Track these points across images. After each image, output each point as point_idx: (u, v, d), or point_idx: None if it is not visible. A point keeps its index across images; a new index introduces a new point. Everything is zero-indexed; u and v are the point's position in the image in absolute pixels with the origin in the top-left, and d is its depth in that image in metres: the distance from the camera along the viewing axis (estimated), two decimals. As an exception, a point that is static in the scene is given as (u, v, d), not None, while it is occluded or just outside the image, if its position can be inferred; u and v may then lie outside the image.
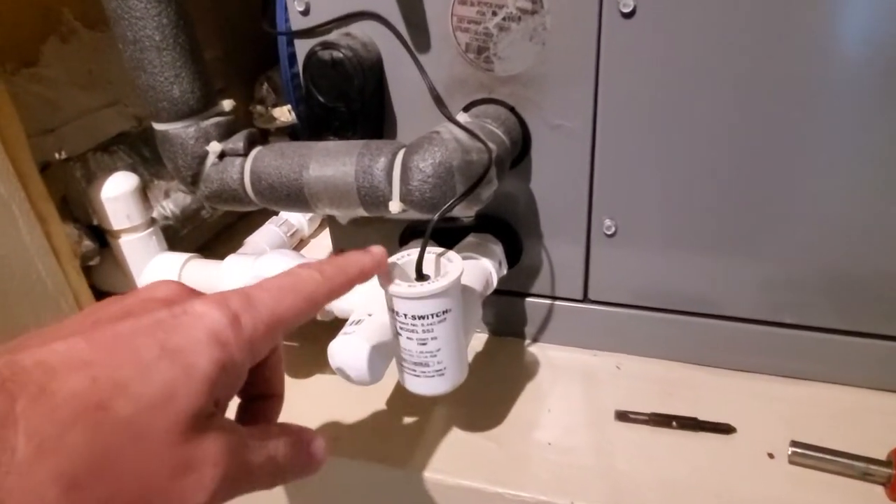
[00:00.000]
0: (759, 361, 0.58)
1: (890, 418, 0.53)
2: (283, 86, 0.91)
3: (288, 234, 0.82)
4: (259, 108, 0.86)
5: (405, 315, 0.43)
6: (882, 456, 0.49)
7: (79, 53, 0.67)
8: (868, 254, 0.51)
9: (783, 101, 0.48)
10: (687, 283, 0.58)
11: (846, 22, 0.44)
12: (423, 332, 0.44)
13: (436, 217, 0.45)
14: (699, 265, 0.56)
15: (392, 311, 0.44)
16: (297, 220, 0.85)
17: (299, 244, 0.87)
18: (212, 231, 0.88)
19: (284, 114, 0.85)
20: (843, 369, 0.56)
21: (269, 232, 0.81)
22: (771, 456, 0.51)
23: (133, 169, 0.75)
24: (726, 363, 0.60)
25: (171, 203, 0.81)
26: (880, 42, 0.44)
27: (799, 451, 0.50)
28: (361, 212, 0.50)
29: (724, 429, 0.53)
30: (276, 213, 0.86)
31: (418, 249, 0.45)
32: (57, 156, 0.65)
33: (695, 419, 0.54)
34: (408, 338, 0.44)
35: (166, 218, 0.80)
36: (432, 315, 0.43)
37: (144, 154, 0.76)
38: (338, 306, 0.57)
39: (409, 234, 0.63)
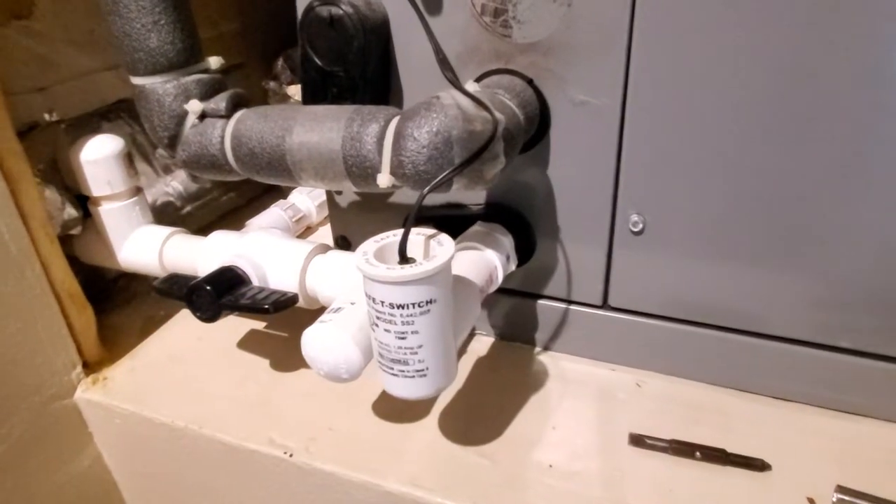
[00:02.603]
0: (804, 389, 0.50)
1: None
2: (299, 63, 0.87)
3: (293, 220, 0.77)
4: (272, 84, 0.81)
5: (382, 302, 0.37)
6: (950, 513, 0.40)
7: (80, 10, 0.63)
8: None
9: (846, 93, 0.40)
10: (723, 294, 0.50)
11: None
12: (403, 323, 0.38)
13: (426, 191, 0.38)
14: (738, 274, 0.49)
15: (368, 297, 0.38)
16: (306, 205, 0.80)
17: (306, 231, 0.81)
18: (216, 213, 0.84)
19: (299, 92, 0.80)
20: (904, 405, 0.48)
21: (272, 215, 0.76)
22: (812, 501, 0.43)
23: (133, 139, 0.71)
24: (764, 389, 0.52)
25: (175, 180, 0.77)
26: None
27: (846, 498, 0.42)
28: (349, 185, 0.44)
29: (758, 465, 0.46)
30: (284, 197, 0.81)
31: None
32: (47, 116, 0.61)
33: (723, 451, 0.46)
34: (385, 330, 0.38)
35: (167, 195, 0.76)
36: (413, 304, 0.37)
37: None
38: (322, 294, 0.51)
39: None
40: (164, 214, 0.75)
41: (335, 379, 0.43)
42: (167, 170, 0.75)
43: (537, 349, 0.59)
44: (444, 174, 0.39)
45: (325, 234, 0.82)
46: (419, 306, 0.37)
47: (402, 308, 0.37)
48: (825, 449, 0.47)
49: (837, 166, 0.43)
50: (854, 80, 0.40)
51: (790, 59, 0.41)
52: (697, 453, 0.47)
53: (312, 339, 0.43)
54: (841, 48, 0.39)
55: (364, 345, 0.42)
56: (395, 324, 0.38)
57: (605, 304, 0.55)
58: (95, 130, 0.67)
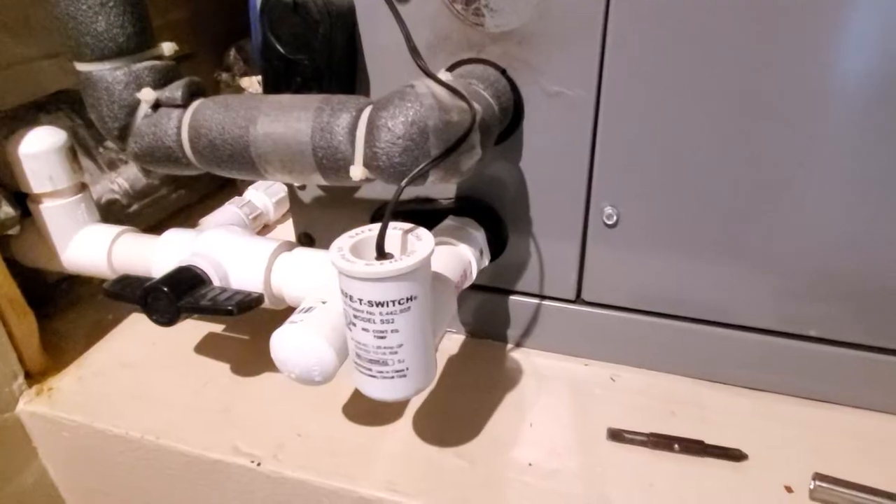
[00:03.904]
0: (777, 379, 0.51)
1: (930, 452, 0.46)
2: (252, 54, 0.83)
3: (250, 217, 0.74)
4: (225, 76, 0.77)
5: (360, 300, 0.35)
6: (922, 496, 0.41)
7: (14, -6, 0.59)
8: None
9: (813, 86, 0.40)
10: (697, 286, 0.50)
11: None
12: (382, 322, 0.36)
13: (403, 183, 0.37)
14: (711, 265, 0.49)
15: (345, 295, 0.36)
16: (262, 202, 0.77)
17: (263, 229, 0.78)
18: (166, 211, 0.80)
19: (253, 84, 0.77)
20: (875, 393, 0.49)
21: (227, 213, 0.72)
22: (789, 489, 0.44)
23: (74, 132, 0.66)
24: (738, 379, 0.52)
25: (119, 176, 0.72)
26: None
27: (823, 485, 0.43)
28: (318, 178, 0.42)
29: (735, 455, 0.46)
30: (240, 193, 0.78)
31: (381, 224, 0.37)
32: (-22, 108, 0.56)
33: (700, 442, 0.46)
34: (363, 329, 0.36)
35: (112, 192, 0.71)
36: (393, 302, 0.35)
37: (89, 117, 0.67)
38: (290, 293, 0.49)
39: (380, 215, 0.55)
40: (110, 213, 0.70)
41: (307, 382, 0.41)
42: (112, 165, 0.71)
43: (509, 346, 0.58)
44: (422, 166, 0.37)
45: (284, 232, 0.79)
46: (399, 304, 0.35)
47: (382, 306, 0.35)
48: (800, 437, 0.47)
49: (797, 163, 0.43)
50: (806, 77, 0.40)
51: (757, 56, 0.41)
52: (676, 446, 0.46)
53: (283, 341, 0.40)
54: (796, 52, 0.40)
55: (338, 345, 0.40)
56: (374, 322, 0.36)
57: (578, 299, 0.54)
58: (32, 123, 0.62)
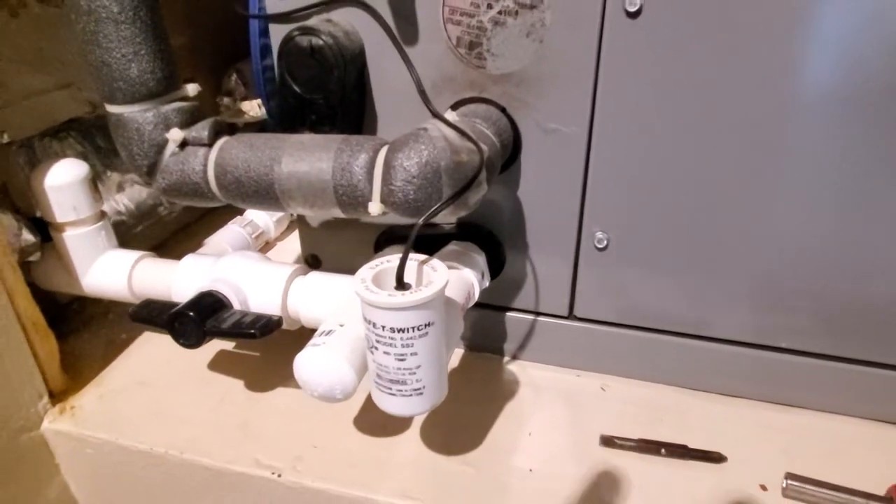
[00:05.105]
0: (753, 387, 0.56)
1: (889, 452, 0.51)
2: (253, 78, 0.86)
3: (252, 236, 0.77)
4: (226, 100, 0.80)
5: (383, 327, 0.39)
6: (881, 491, 0.46)
7: (28, 29, 0.61)
8: (864, 280, 0.49)
9: (786, 116, 0.45)
10: (679, 303, 0.55)
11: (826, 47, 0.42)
12: (403, 346, 0.40)
13: (420, 221, 0.40)
14: (692, 284, 0.53)
15: (368, 322, 0.40)
16: (263, 221, 0.80)
17: (264, 247, 0.81)
18: (168, 230, 0.82)
19: (254, 108, 0.80)
20: (841, 398, 0.54)
21: (231, 232, 0.75)
22: (764, 488, 0.48)
23: (84, 158, 0.69)
24: (718, 388, 0.57)
25: (125, 197, 0.75)
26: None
27: (794, 483, 0.47)
28: (337, 212, 0.46)
29: (715, 457, 0.50)
30: (241, 213, 0.81)
31: (398, 255, 0.41)
32: (-2, 139, 0.58)
33: (684, 447, 0.51)
34: (385, 352, 0.40)
35: (119, 213, 0.74)
36: (413, 328, 0.39)
37: (98, 142, 0.70)
38: (306, 315, 0.52)
39: (384, 239, 0.59)
40: (116, 234, 0.73)
41: (329, 400, 0.45)
42: (120, 188, 0.74)
43: (506, 358, 0.62)
44: (437, 206, 0.41)
45: (284, 249, 0.82)
46: (418, 329, 0.39)
47: (403, 332, 0.39)
48: (774, 440, 0.52)
49: (773, 192, 0.48)
50: (778, 112, 0.45)
51: (741, 93, 0.45)
52: (662, 450, 0.51)
53: (306, 363, 0.44)
54: (766, 89, 0.45)
55: (357, 365, 0.44)
56: (395, 346, 0.40)
57: (570, 315, 0.59)
58: (46, 151, 0.65)
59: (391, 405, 0.43)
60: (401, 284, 0.40)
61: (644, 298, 0.55)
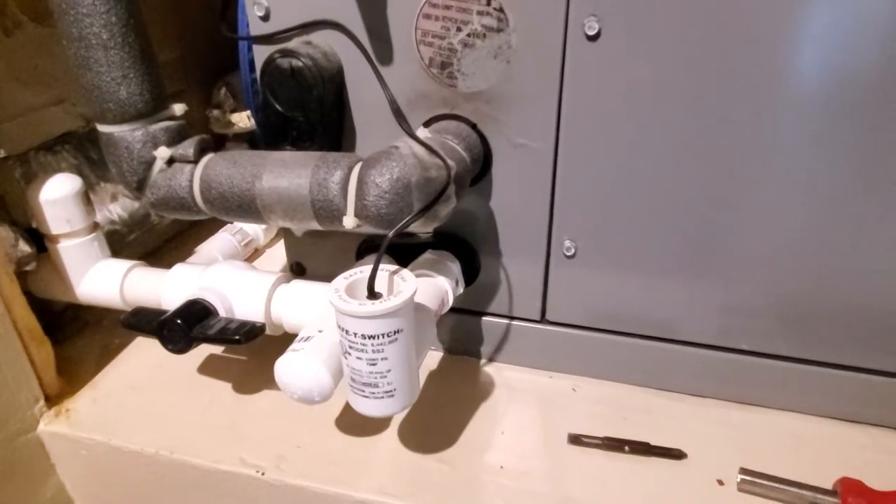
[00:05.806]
0: (714, 387, 0.59)
1: (838, 447, 0.54)
2: (242, 91, 0.89)
3: (242, 244, 0.80)
4: (216, 112, 0.83)
5: (355, 334, 0.42)
6: (828, 485, 0.49)
7: (23, 47, 0.64)
8: (821, 284, 0.52)
9: (740, 127, 0.48)
10: (645, 307, 0.57)
11: (799, 53, 0.45)
12: (373, 352, 0.42)
13: (391, 234, 0.43)
14: (657, 289, 0.56)
15: (341, 329, 0.43)
16: (253, 229, 0.83)
17: (253, 254, 0.84)
18: (161, 238, 0.85)
19: (243, 119, 0.83)
20: (797, 397, 0.57)
21: (221, 240, 0.78)
22: (721, 483, 0.51)
23: (78, 170, 0.71)
24: (682, 388, 0.60)
25: (119, 207, 0.78)
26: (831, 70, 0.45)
27: (748, 478, 0.50)
28: (315, 225, 0.48)
29: (676, 454, 0.53)
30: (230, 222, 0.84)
31: (371, 266, 0.43)
32: (-5, 154, 0.61)
33: (647, 444, 0.54)
34: (357, 357, 0.43)
35: (112, 222, 0.77)
36: (383, 335, 0.42)
37: (91, 155, 0.73)
38: (288, 322, 0.55)
39: (365, 247, 0.62)
40: (110, 242, 0.76)
41: (307, 402, 0.47)
42: (113, 199, 0.76)
43: (482, 361, 0.65)
44: (406, 219, 0.44)
45: (273, 256, 0.85)
46: (388, 336, 0.42)
47: (373, 338, 0.42)
48: (732, 437, 0.55)
49: (732, 199, 0.51)
50: (735, 124, 0.48)
51: (695, 108, 0.48)
52: (626, 447, 0.54)
53: (286, 367, 0.47)
54: (719, 104, 0.47)
55: (334, 370, 0.47)
56: (367, 352, 0.42)
57: (542, 319, 0.61)
58: (41, 164, 0.67)
59: (364, 407, 0.45)
60: (372, 294, 0.43)
61: (612, 303, 0.58)
